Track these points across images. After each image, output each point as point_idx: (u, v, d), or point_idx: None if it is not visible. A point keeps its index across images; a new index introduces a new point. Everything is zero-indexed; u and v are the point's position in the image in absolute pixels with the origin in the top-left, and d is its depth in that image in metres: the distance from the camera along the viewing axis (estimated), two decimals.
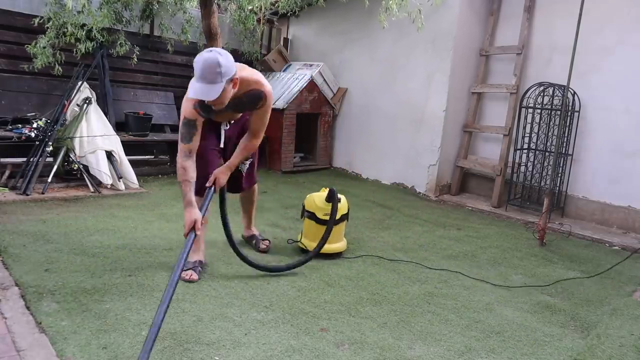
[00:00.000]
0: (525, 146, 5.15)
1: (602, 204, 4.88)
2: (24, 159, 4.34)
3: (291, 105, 6.00)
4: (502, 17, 5.60)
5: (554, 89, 4.93)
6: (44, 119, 4.60)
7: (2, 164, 4.34)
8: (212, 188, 2.73)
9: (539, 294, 3.08)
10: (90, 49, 4.89)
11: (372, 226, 4.29)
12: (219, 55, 2.34)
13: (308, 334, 2.35)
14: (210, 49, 2.40)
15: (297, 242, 3.45)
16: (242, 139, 2.91)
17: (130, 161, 4.81)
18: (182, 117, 2.61)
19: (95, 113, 4.72)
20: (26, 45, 4.66)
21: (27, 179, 4.17)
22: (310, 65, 6.53)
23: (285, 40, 7.35)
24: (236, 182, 3.13)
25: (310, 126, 6.46)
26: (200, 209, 2.56)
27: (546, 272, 3.47)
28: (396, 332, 2.45)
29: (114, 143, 4.67)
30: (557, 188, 4.98)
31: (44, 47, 4.62)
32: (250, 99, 2.67)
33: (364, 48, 6.32)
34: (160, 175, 5.44)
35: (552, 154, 4.78)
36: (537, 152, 5.12)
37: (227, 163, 2.87)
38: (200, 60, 2.35)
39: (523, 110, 5.11)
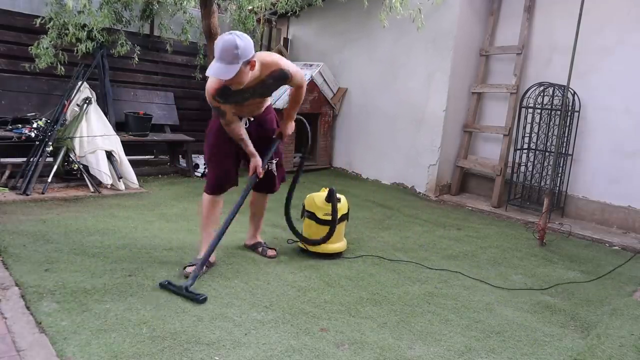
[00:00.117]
0: (525, 146, 5.15)
1: (602, 204, 4.88)
2: (24, 159, 4.35)
3: None
4: (502, 17, 5.60)
5: (554, 89, 4.93)
6: (44, 119, 4.60)
7: (2, 164, 4.35)
8: (255, 176, 2.96)
9: (539, 294, 3.08)
10: (91, 49, 4.90)
11: (372, 226, 4.29)
12: (237, 37, 2.48)
13: (308, 334, 2.35)
14: (231, 32, 2.52)
15: (297, 242, 3.45)
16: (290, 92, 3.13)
17: (130, 161, 4.81)
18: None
19: (95, 113, 4.72)
20: (29, 47, 4.67)
21: (27, 179, 4.17)
22: (310, 65, 6.53)
23: (285, 40, 7.35)
24: (270, 182, 3.22)
25: (310, 126, 6.44)
26: (241, 200, 2.90)
27: (546, 272, 3.46)
28: (396, 332, 2.45)
29: (114, 143, 4.68)
30: (557, 188, 4.98)
31: (47, 48, 4.63)
32: (275, 79, 2.79)
33: (364, 48, 6.32)
34: (160, 175, 5.44)
35: (552, 154, 4.78)
36: (537, 152, 5.12)
37: (285, 119, 3.13)
38: (220, 41, 2.49)
39: (523, 110, 5.11)
